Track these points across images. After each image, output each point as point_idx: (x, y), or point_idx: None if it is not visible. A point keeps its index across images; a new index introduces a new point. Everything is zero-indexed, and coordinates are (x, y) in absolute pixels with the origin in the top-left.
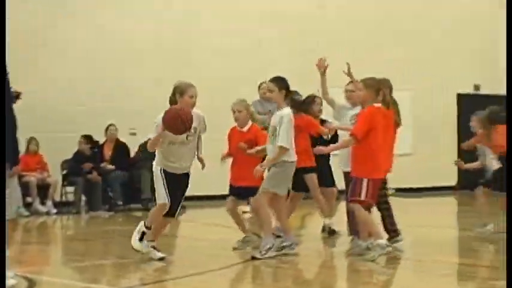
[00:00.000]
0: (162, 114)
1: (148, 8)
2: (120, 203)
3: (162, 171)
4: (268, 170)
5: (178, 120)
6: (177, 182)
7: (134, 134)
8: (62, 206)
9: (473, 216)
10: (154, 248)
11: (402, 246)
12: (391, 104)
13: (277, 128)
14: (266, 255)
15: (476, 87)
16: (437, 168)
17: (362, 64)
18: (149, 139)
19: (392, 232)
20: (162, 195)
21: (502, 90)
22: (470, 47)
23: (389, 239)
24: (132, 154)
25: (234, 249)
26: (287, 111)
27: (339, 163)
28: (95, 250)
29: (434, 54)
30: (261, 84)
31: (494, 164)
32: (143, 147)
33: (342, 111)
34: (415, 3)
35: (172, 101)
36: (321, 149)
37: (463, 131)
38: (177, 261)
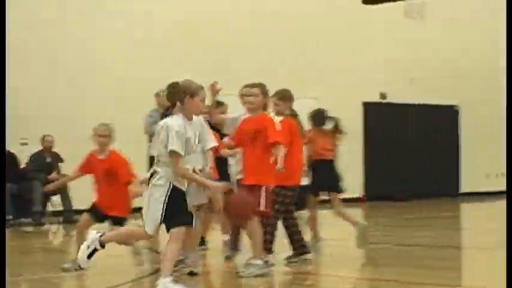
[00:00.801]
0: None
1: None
2: (10, 217)
3: (171, 190)
4: None
5: (248, 207)
6: (184, 195)
7: (26, 144)
8: None
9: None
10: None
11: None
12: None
13: None
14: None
15: (383, 96)
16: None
17: (268, 73)
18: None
19: (301, 247)
20: (154, 222)
21: (408, 99)
22: (375, 56)
23: (297, 255)
24: (22, 165)
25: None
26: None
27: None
28: None
29: (339, 62)
30: (160, 91)
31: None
32: (34, 157)
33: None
34: (317, 13)
35: (173, 101)
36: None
37: (369, 140)
38: None
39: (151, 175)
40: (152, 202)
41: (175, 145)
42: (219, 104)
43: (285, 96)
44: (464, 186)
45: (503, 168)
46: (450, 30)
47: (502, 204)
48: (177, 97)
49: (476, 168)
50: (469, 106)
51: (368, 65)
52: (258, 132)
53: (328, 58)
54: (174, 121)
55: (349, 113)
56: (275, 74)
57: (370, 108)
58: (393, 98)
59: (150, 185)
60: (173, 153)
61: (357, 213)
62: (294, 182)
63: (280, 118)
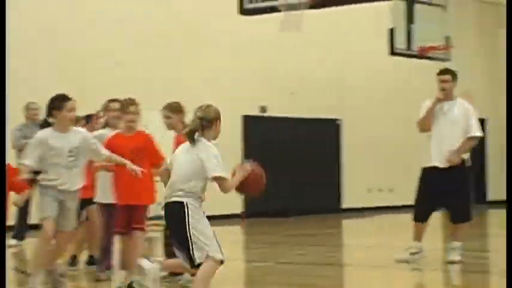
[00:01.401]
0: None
1: None
2: None
3: None
4: None
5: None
6: None
7: None
8: None
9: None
10: None
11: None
12: None
13: None
14: None
15: (263, 109)
16: (222, 195)
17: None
18: None
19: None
20: None
21: (289, 113)
22: (254, 68)
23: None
24: None
25: None
26: None
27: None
28: None
29: (219, 73)
30: (30, 104)
31: None
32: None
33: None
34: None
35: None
36: None
37: (249, 154)
38: None
39: None
40: None
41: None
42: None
43: (176, 108)
44: (346, 202)
45: (385, 183)
46: (330, 43)
47: (382, 219)
48: (46, 111)
49: (358, 183)
50: (351, 120)
51: (248, 78)
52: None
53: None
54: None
55: (228, 126)
56: (151, 85)
57: (249, 122)
58: (273, 112)
59: None
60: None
61: (236, 230)
62: None
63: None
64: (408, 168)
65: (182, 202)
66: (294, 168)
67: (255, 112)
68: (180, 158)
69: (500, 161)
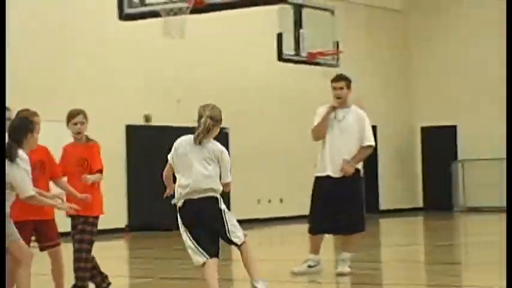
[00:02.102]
0: None
1: None
2: None
3: None
4: None
5: None
6: None
7: None
8: None
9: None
10: None
11: None
12: None
13: None
14: None
15: (147, 118)
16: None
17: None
18: None
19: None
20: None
21: (174, 122)
22: (137, 76)
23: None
24: None
25: None
26: None
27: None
28: None
29: (104, 83)
30: None
31: None
32: None
33: None
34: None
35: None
36: None
37: (133, 165)
38: None
39: None
40: None
41: None
42: None
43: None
44: (236, 213)
45: (275, 194)
46: (218, 49)
47: (272, 231)
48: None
49: (248, 194)
50: (239, 129)
51: (130, 86)
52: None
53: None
54: None
55: (111, 136)
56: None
57: (133, 132)
58: (158, 121)
59: None
60: None
61: (120, 245)
62: None
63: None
64: (299, 178)
65: (216, 197)
66: None
67: (139, 121)
68: (196, 158)
69: (392, 170)
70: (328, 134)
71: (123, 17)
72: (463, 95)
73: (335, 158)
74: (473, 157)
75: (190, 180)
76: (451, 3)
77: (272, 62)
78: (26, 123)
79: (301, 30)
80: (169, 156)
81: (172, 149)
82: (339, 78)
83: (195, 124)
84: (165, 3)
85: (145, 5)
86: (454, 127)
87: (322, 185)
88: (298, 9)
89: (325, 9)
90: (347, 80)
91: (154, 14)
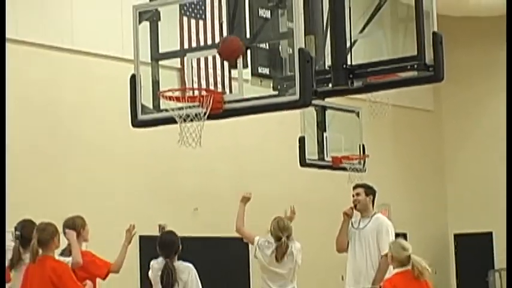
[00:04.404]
0: None
1: None
2: None
3: None
4: None
5: None
6: None
7: None
8: None
9: None
10: None
11: None
12: None
13: None
14: None
15: (162, 228)
16: None
17: None
18: None
19: None
20: None
21: (193, 231)
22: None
23: None
24: None
25: None
26: None
27: None
28: None
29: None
30: None
31: None
32: None
33: None
34: None
35: None
36: None
37: (146, 280)
38: None
39: None
40: None
41: None
42: None
43: None
44: None
45: None
46: (235, 154)
47: None
48: None
49: None
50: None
51: (143, 194)
52: None
53: None
54: None
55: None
56: None
57: (146, 243)
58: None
59: None
60: None
61: None
62: None
63: None
64: None
65: None
66: None
67: (154, 232)
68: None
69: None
70: (350, 246)
71: (136, 123)
72: (500, 199)
73: (354, 273)
74: None
75: None
76: (487, 103)
77: (295, 167)
78: None
79: (324, 133)
80: None
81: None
82: (356, 185)
83: (214, 234)
84: (180, 108)
85: (161, 110)
86: (490, 234)
87: None
88: (321, 110)
89: (350, 111)
90: (364, 187)
91: (169, 121)
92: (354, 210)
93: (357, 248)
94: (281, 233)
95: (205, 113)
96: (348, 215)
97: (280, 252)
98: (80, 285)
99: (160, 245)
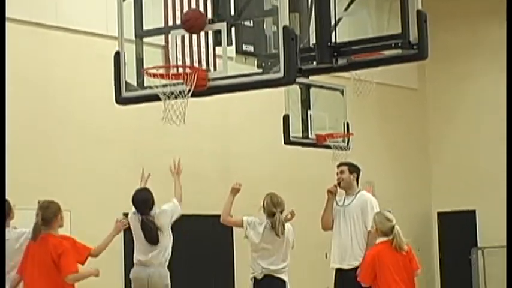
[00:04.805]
0: None
1: None
2: None
3: None
4: None
5: None
6: None
7: None
8: None
9: None
10: None
11: None
12: None
13: None
14: None
15: None
16: None
17: None
18: None
19: None
20: None
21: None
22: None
23: None
24: None
25: None
26: None
27: None
28: None
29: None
30: None
31: None
32: None
33: None
34: None
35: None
36: None
37: None
38: None
39: None
40: None
41: None
42: None
43: None
44: None
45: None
46: (219, 133)
47: None
48: None
49: None
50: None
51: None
52: None
53: None
54: None
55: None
56: None
57: None
58: None
59: None
60: None
61: None
62: None
63: None
64: (310, 268)
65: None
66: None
67: None
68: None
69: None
70: (335, 223)
71: (120, 100)
72: (483, 178)
73: (340, 247)
74: (495, 244)
75: None
76: (472, 83)
77: (279, 146)
78: None
79: (309, 111)
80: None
81: None
82: (340, 163)
83: (197, 212)
84: (165, 86)
85: (145, 88)
86: (473, 212)
87: (335, 278)
88: (306, 88)
89: (334, 89)
90: (348, 165)
91: (153, 98)
92: (338, 188)
93: (342, 225)
94: (275, 208)
95: (189, 90)
96: (331, 193)
97: (279, 227)
98: (76, 266)
99: (134, 202)
